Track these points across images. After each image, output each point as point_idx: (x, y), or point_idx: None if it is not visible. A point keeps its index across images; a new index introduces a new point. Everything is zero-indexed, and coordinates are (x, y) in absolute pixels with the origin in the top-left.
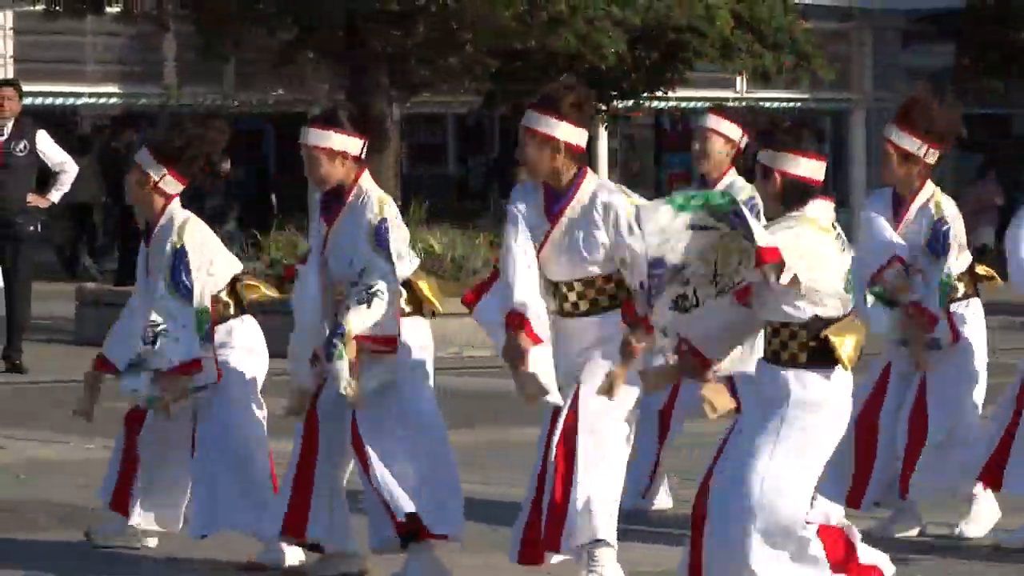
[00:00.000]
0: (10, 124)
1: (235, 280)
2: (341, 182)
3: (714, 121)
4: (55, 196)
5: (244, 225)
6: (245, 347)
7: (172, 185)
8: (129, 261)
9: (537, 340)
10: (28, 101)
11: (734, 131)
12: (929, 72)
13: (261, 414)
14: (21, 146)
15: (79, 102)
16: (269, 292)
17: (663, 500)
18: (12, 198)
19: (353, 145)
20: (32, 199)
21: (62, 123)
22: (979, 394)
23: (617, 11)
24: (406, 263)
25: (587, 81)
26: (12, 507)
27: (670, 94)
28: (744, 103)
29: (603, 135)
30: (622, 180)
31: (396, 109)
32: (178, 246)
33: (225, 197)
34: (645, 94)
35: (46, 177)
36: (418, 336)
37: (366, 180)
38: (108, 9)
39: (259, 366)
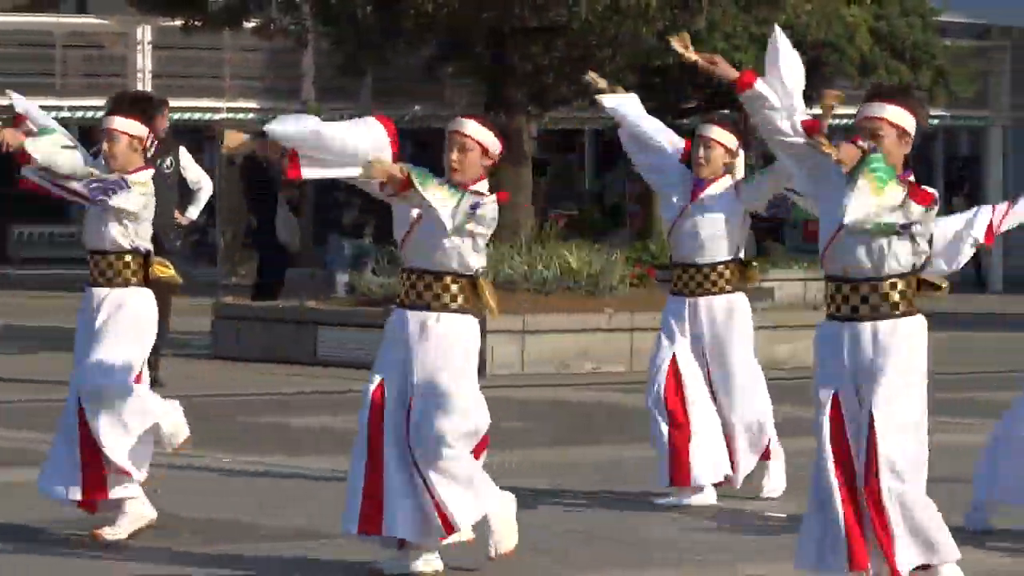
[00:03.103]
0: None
1: (147, 255)
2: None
3: (716, 132)
4: (193, 213)
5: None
6: (133, 314)
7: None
8: (267, 277)
9: None
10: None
11: (732, 140)
12: None
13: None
14: (168, 163)
15: (217, 117)
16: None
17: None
18: (161, 213)
19: (499, 147)
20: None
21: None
22: None
23: (755, 28)
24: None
25: (724, 96)
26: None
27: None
28: None
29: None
30: None
31: (534, 125)
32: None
33: (361, 211)
34: None
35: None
36: (469, 333)
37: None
38: (246, 24)
39: (139, 334)
